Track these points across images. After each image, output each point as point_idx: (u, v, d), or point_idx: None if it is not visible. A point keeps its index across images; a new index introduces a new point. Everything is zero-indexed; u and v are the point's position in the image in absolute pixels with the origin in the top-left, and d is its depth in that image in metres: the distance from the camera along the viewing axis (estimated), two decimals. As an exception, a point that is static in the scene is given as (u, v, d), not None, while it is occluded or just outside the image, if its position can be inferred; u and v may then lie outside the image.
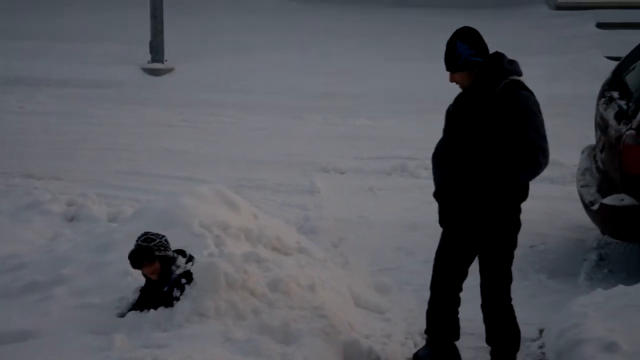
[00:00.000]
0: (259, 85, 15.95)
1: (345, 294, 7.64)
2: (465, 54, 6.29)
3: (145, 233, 6.84)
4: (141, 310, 6.71)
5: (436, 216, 6.70)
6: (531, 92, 6.35)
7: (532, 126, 6.21)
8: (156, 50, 16.78)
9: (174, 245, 7.03)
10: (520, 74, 6.41)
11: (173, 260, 6.84)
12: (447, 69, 6.36)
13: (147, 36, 16.95)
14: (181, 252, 6.96)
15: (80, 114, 14.16)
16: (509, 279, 6.57)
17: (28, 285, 7.18)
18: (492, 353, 6.69)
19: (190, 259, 6.96)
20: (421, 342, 7.21)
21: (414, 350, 7.23)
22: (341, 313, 7.14)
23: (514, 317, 6.63)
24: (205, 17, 20.43)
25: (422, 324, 7.17)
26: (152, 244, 6.74)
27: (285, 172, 11.58)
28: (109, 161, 11.90)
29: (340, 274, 7.98)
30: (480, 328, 6.76)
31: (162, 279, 6.78)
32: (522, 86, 6.32)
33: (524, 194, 6.43)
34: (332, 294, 7.34)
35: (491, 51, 6.42)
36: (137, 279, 7.02)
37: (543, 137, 6.26)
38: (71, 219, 9.37)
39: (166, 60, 16.88)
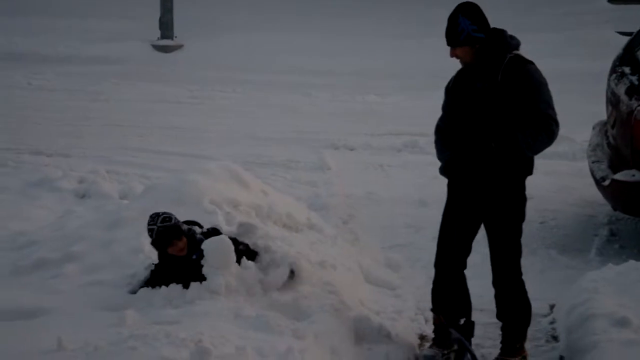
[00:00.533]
0: (267, 63, 15.97)
1: (356, 271, 7.65)
2: (468, 29, 6.24)
3: (156, 214, 6.72)
4: (153, 287, 6.72)
5: (445, 193, 6.67)
6: (534, 64, 6.33)
7: (543, 98, 6.21)
8: (166, 26, 16.81)
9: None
10: (520, 46, 6.39)
11: (194, 233, 6.80)
12: (448, 44, 6.31)
13: (156, 13, 16.95)
14: (194, 224, 6.96)
15: (87, 91, 14.19)
16: (518, 252, 6.55)
17: (39, 262, 7.16)
18: (503, 328, 6.66)
19: (197, 225, 6.94)
20: (431, 317, 7.21)
21: (424, 326, 7.24)
22: (351, 289, 7.15)
23: (525, 292, 6.61)
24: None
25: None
26: (173, 222, 6.66)
27: (295, 148, 11.60)
28: (118, 138, 11.92)
29: (351, 251, 7.99)
30: (491, 304, 6.72)
31: (189, 252, 6.72)
32: (527, 60, 6.30)
33: (529, 169, 6.41)
34: (343, 271, 7.33)
35: (501, 26, 6.40)
36: (149, 256, 6.99)
37: (553, 108, 6.26)
38: (82, 196, 9.38)
39: (176, 37, 16.91)
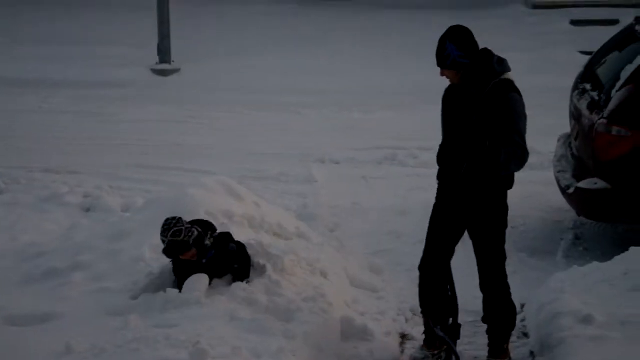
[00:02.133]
0: (259, 84, 15.93)
1: (342, 275, 7.64)
2: (454, 54, 6.20)
3: (168, 224, 6.66)
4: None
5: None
6: (519, 93, 6.28)
7: (517, 129, 6.18)
8: (163, 52, 16.78)
9: None
10: (509, 70, 6.33)
11: (202, 236, 6.76)
12: (437, 65, 6.30)
13: (155, 39, 16.94)
14: (207, 224, 6.93)
15: (94, 113, 14.14)
16: (503, 258, 6.53)
17: (48, 271, 7.17)
18: (488, 331, 6.65)
19: (209, 226, 6.92)
20: (412, 317, 7.21)
21: (405, 326, 7.23)
22: (338, 293, 7.15)
23: (510, 295, 6.57)
24: (208, 21, 20.39)
25: (412, 302, 7.18)
26: (181, 237, 6.60)
27: (285, 163, 11.55)
28: (122, 155, 11.86)
29: (337, 257, 7.97)
30: (480, 306, 6.71)
31: (199, 257, 6.73)
32: (512, 87, 6.25)
33: (510, 183, 6.40)
34: (330, 275, 7.33)
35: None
36: (149, 264, 7.02)
37: (523, 139, 6.23)
38: (87, 210, 9.37)
39: (173, 62, 16.86)
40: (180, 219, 6.70)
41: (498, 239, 6.48)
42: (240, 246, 6.87)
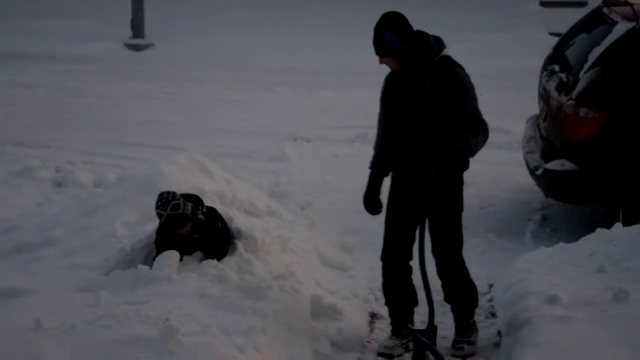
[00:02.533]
0: (233, 61, 15.94)
1: (312, 254, 7.66)
2: (392, 42, 6.17)
3: (165, 198, 6.58)
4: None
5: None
6: (461, 67, 6.25)
7: (469, 100, 6.15)
8: (137, 27, 16.77)
9: (150, 207, 6.94)
10: (445, 47, 6.28)
11: (195, 210, 6.72)
12: (376, 54, 6.25)
13: (128, 14, 16.87)
14: (195, 198, 6.85)
15: (66, 87, 14.15)
16: (460, 241, 6.50)
17: (19, 246, 7.16)
18: (452, 310, 6.65)
19: (198, 200, 6.85)
20: (382, 296, 7.19)
21: (375, 305, 7.21)
22: (308, 271, 7.16)
23: (469, 276, 6.58)
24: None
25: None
26: (180, 210, 6.56)
27: (258, 140, 11.58)
28: (94, 130, 11.86)
29: (308, 235, 7.96)
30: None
31: (192, 231, 6.71)
32: (453, 62, 6.21)
33: (466, 164, 6.35)
34: (301, 254, 7.34)
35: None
36: (120, 240, 7.01)
37: (478, 109, 6.21)
38: (59, 184, 9.36)
39: (146, 37, 16.83)
40: (174, 192, 6.63)
41: (455, 221, 6.44)
42: (224, 224, 6.84)
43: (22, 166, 9.69)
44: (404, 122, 6.29)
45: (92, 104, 13.18)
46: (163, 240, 6.74)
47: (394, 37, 6.16)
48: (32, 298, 6.19)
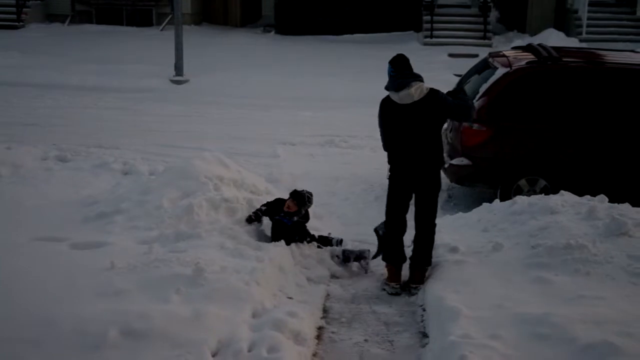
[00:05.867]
0: (244, 91, 15.89)
1: (296, 219, 7.65)
2: (389, 71, 6.14)
3: (305, 192, 6.86)
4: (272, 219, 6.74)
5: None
6: (381, 101, 6.14)
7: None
8: (178, 68, 16.69)
9: (189, 189, 6.99)
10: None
11: (300, 213, 6.79)
12: None
13: (172, 59, 16.90)
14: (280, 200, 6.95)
15: (131, 109, 14.06)
16: (436, 210, 6.35)
17: (99, 214, 7.15)
18: (415, 264, 6.35)
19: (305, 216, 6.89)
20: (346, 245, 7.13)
21: (337, 250, 7.16)
22: (292, 231, 7.15)
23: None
24: (210, 46, 20.28)
25: (344, 237, 7.16)
26: (306, 199, 6.78)
27: (259, 144, 11.55)
28: (149, 137, 11.81)
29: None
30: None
31: (289, 215, 6.73)
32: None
33: (443, 162, 6.27)
34: (287, 219, 7.33)
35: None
36: (167, 210, 6.96)
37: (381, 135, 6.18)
38: (126, 173, 9.32)
39: (185, 74, 16.78)
40: (311, 194, 6.91)
41: (436, 199, 6.31)
42: (305, 228, 6.87)
43: (101, 161, 9.67)
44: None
45: (148, 120, 13.14)
46: (273, 209, 6.81)
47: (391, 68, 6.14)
48: (108, 248, 6.20)
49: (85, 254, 6.04)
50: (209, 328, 4.76)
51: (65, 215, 7.22)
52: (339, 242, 6.90)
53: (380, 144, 6.34)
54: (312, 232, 7.03)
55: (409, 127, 6.07)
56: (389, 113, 6.13)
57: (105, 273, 5.49)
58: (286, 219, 6.78)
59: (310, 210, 7.10)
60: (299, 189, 7.01)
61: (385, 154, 6.31)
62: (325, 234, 7.20)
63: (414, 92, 6.06)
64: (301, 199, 6.82)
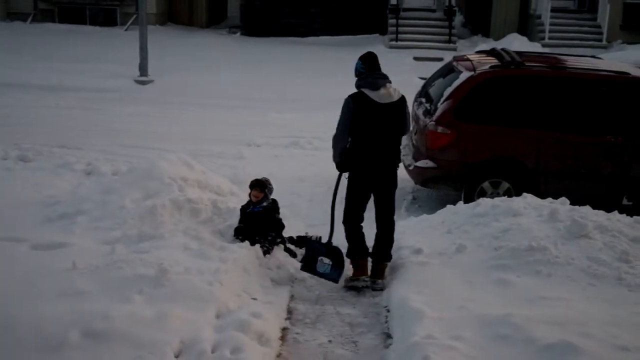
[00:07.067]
0: (209, 92, 15.84)
1: (260, 220, 7.64)
2: (357, 67, 6.20)
3: (266, 179, 6.92)
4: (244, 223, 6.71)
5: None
6: (350, 95, 6.15)
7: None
8: (143, 68, 16.58)
9: (153, 189, 6.94)
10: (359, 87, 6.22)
11: (268, 198, 6.80)
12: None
13: (136, 59, 16.77)
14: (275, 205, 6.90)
15: (94, 109, 13.94)
16: (394, 208, 6.43)
17: (61, 215, 7.08)
18: (377, 260, 6.45)
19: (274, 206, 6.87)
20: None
21: (298, 253, 7.17)
22: (257, 232, 7.14)
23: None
24: (175, 47, 20.18)
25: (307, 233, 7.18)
26: (265, 181, 6.85)
27: (223, 145, 11.52)
28: (113, 137, 11.71)
29: (257, 208, 7.97)
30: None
31: (259, 203, 6.75)
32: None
33: (400, 161, 6.37)
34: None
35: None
36: (129, 211, 6.92)
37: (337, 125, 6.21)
38: (88, 173, 9.24)
39: (149, 75, 16.67)
40: (272, 187, 6.93)
41: (393, 197, 6.38)
42: (275, 217, 6.85)
43: (63, 161, 9.57)
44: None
45: (112, 120, 13.03)
46: (243, 209, 6.82)
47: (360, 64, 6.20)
48: (70, 249, 6.14)
49: (46, 255, 5.96)
50: (172, 329, 4.73)
51: (26, 216, 7.13)
52: (318, 240, 6.88)
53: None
54: (288, 234, 7.05)
55: (384, 126, 6.14)
56: (364, 110, 6.13)
57: (66, 274, 5.43)
58: (257, 207, 6.77)
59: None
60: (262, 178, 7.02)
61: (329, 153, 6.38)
62: (302, 234, 7.22)
63: (393, 93, 6.18)
64: (261, 183, 6.84)
